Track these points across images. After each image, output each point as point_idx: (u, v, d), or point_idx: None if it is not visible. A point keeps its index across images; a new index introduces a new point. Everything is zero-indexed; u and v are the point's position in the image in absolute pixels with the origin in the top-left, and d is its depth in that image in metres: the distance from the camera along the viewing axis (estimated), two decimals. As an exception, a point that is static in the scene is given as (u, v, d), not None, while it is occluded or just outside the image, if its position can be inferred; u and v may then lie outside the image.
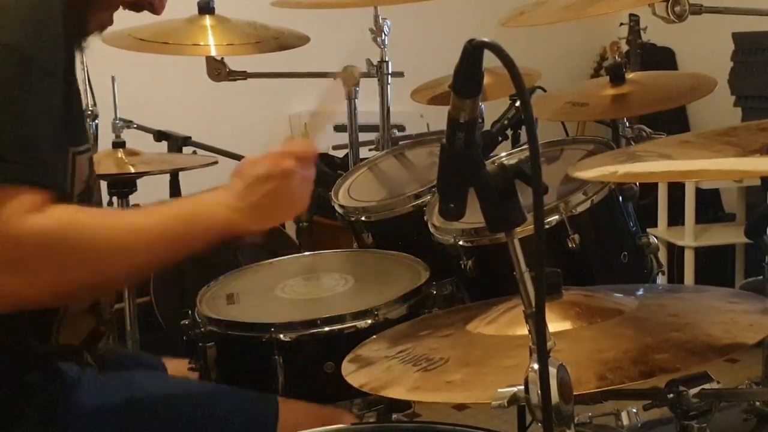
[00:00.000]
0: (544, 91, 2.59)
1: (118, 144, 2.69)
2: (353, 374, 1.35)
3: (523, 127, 2.01)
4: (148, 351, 2.34)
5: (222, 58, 2.77)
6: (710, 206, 4.28)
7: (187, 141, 3.01)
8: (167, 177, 2.86)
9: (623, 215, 1.92)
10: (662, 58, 4.68)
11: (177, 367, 1.80)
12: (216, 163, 2.75)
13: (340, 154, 4.06)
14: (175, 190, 2.90)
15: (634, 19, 3.79)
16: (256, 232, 1.41)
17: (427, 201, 2.02)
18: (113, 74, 2.68)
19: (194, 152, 3.04)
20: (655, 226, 4.07)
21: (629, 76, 2.41)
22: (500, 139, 2.24)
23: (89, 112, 2.89)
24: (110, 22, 1.58)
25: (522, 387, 1.06)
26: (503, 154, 2.12)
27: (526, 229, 1.10)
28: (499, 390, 1.09)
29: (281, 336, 1.66)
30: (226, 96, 3.47)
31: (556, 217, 1.77)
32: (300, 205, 1.44)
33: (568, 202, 1.78)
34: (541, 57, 3.56)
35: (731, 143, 1.33)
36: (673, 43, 4.74)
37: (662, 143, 1.66)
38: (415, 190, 2.08)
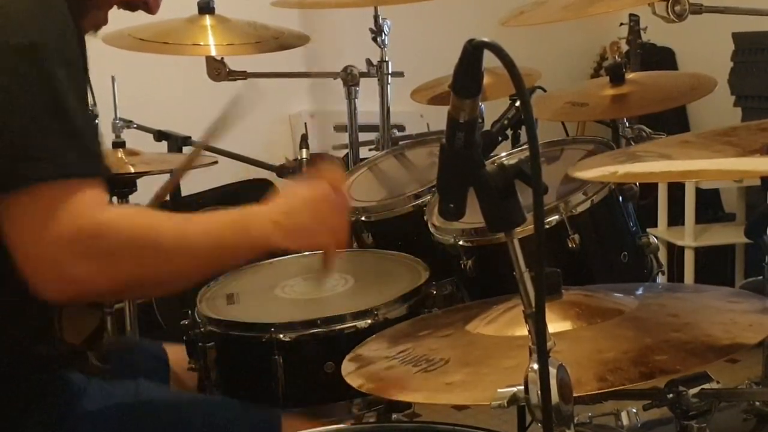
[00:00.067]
0: (544, 91, 2.59)
1: (118, 144, 2.69)
2: (353, 374, 1.35)
3: (523, 127, 2.01)
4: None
5: (222, 58, 2.77)
6: (710, 206, 4.27)
7: (187, 141, 3.00)
8: (167, 177, 2.86)
9: (623, 215, 1.92)
10: (662, 58, 4.68)
11: (177, 352, 1.81)
12: (216, 163, 2.74)
13: (340, 154, 4.06)
14: (175, 190, 2.89)
15: (634, 19, 3.79)
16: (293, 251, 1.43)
17: (427, 201, 2.02)
18: (113, 74, 2.68)
19: (194, 152, 3.04)
20: (655, 226, 4.07)
21: (629, 76, 2.41)
22: (500, 139, 2.24)
23: (89, 112, 2.89)
24: (105, 21, 1.58)
25: (522, 387, 1.06)
26: (503, 154, 2.12)
27: (526, 229, 1.10)
28: (499, 390, 1.09)
29: (281, 336, 1.66)
30: (226, 96, 3.44)
31: (556, 217, 1.77)
32: (340, 233, 1.47)
33: (568, 202, 1.78)
34: (541, 57, 3.56)
35: (731, 143, 1.33)
36: (673, 43, 4.73)
37: (662, 143, 1.66)
38: (415, 190, 2.08)
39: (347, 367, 1.38)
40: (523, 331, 1.14)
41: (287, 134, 4.42)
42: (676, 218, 4.02)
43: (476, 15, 3.97)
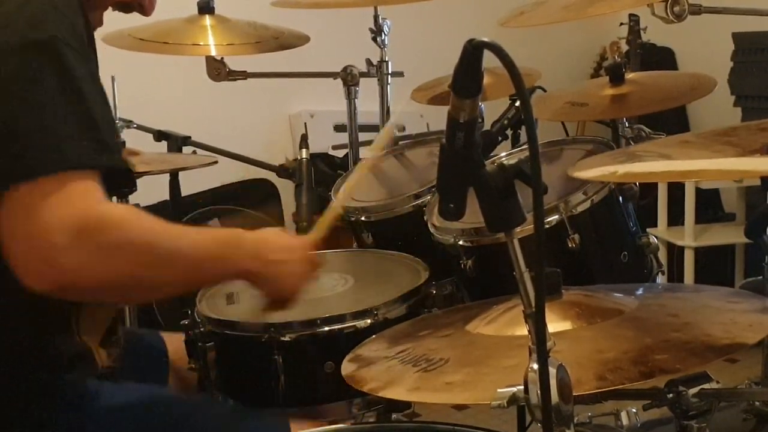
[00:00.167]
0: (544, 91, 2.59)
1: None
2: (353, 374, 1.35)
3: (523, 127, 2.01)
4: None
5: (222, 58, 2.77)
6: (710, 206, 4.28)
7: (187, 141, 3.01)
8: (167, 177, 2.86)
9: (623, 215, 1.92)
10: (662, 58, 4.68)
11: (175, 341, 1.81)
12: (216, 163, 2.75)
13: (340, 154, 4.07)
14: (175, 190, 2.89)
15: (634, 19, 3.78)
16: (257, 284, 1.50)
17: (427, 201, 2.02)
18: (113, 74, 2.67)
19: (194, 152, 3.04)
20: (655, 226, 4.07)
21: (629, 76, 2.41)
22: (500, 139, 2.24)
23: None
24: (100, 22, 1.59)
25: (522, 387, 1.06)
26: (503, 154, 2.12)
27: (526, 229, 1.10)
28: (499, 390, 1.09)
29: (281, 336, 1.66)
30: (226, 96, 3.47)
31: (556, 217, 1.77)
32: (297, 293, 1.54)
33: (568, 202, 1.78)
34: (541, 57, 3.56)
35: (731, 143, 1.33)
36: (673, 43, 4.73)
37: (662, 143, 1.66)
38: (415, 190, 2.08)
39: (347, 367, 1.38)
40: (523, 331, 1.14)
41: (287, 134, 4.42)
42: (676, 218, 4.02)
43: (476, 15, 3.97)
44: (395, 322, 1.64)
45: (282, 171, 2.97)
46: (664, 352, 1.20)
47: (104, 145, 1.31)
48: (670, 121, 4.05)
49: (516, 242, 1.12)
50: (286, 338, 1.66)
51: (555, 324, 1.28)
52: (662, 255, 3.74)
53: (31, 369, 1.44)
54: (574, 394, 1.07)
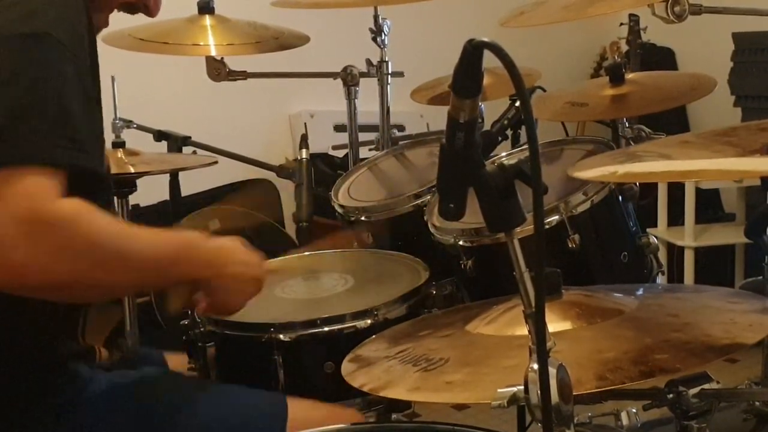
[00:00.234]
0: (544, 91, 2.59)
1: (118, 144, 2.68)
2: (353, 374, 1.35)
3: (523, 127, 2.01)
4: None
5: (222, 58, 2.77)
6: (710, 206, 4.27)
7: (187, 141, 3.00)
8: (167, 177, 2.86)
9: (623, 215, 1.92)
10: (662, 58, 4.67)
11: (177, 362, 1.81)
12: (216, 163, 2.74)
13: (340, 154, 4.06)
14: (174, 190, 2.89)
15: (634, 19, 3.78)
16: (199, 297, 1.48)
17: (427, 201, 2.02)
18: (113, 74, 2.67)
19: (194, 152, 3.04)
20: (655, 226, 4.07)
21: (629, 76, 2.41)
22: (500, 139, 2.25)
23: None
24: (105, 24, 1.59)
25: (522, 387, 1.06)
26: (503, 154, 2.12)
27: (526, 229, 1.10)
28: (499, 390, 1.09)
29: (281, 336, 1.66)
30: (226, 96, 3.46)
31: (556, 217, 1.77)
32: (241, 306, 1.53)
33: (568, 202, 1.78)
34: (541, 57, 3.56)
35: (731, 143, 1.33)
36: (673, 43, 4.73)
37: (662, 143, 1.66)
38: (415, 190, 2.08)
39: (347, 367, 1.38)
40: (523, 331, 1.14)
41: (287, 134, 4.42)
42: (676, 218, 4.02)
43: (476, 15, 3.97)
44: (395, 323, 1.64)
45: (282, 171, 2.97)
46: (664, 352, 1.20)
47: (76, 145, 1.29)
48: (670, 121, 4.05)
49: (516, 242, 1.12)
50: (286, 338, 1.66)
51: (555, 324, 1.28)
52: (662, 255, 3.74)
53: (32, 369, 1.44)
54: (574, 394, 1.07)
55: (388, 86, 2.88)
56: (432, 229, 1.90)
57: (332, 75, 2.88)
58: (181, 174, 2.86)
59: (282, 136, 4.40)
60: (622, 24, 3.84)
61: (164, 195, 2.93)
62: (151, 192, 3.04)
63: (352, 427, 1.51)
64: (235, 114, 4.11)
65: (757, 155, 1.26)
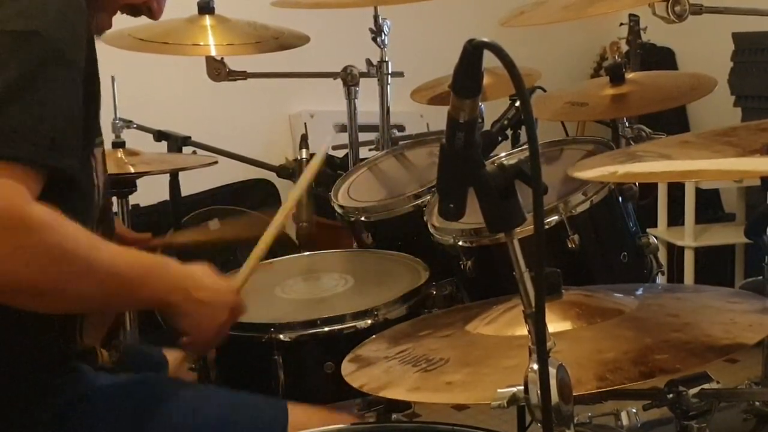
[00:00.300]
0: (544, 91, 2.59)
1: (118, 144, 2.69)
2: (353, 374, 1.35)
3: (523, 127, 2.01)
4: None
5: (222, 58, 2.77)
6: (710, 206, 4.27)
7: (186, 141, 3.01)
8: (167, 177, 2.86)
9: (623, 215, 1.92)
10: (662, 58, 4.68)
11: (177, 357, 1.81)
12: (216, 163, 2.75)
13: (340, 154, 4.06)
14: (174, 190, 2.90)
15: (634, 19, 3.78)
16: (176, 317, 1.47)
17: (427, 201, 2.02)
18: (113, 74, 2.68)
19: (194, 152, 3.04)
20: (655, 226, 4.07)
21: (629, 76, 2.41)
22: (500, 139, 2.25)
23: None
24: (109, 25, 1.59)
25: (522, 387, 1.06)
26: (503, 154, 2.12)
27: (526, 229, 1.10)
28: (499, 390, 1.09)
29: (281, 336, 1.66)
30: (226, 96, 3.47)
31: (556, 217, 1.77)
32: (215, 339, 1.53)
33: (568, 202, 1.78)
34: (541, 57, 3.56)
35: (731, 143, 1.33)
36: (673, 43, 4.73)
37: (662, 143, 1.66)
38: (415, 190, 2.08)
39: (347, 367, 1.38)
40: (523, 331, 1.14)
41: (287, 134, 4.42)
42: (676, 218, 4.02)
43: (476, 15, 3.97)
44: (395, 323, 1.64)
45: (282, 171, 2.97)
46: (664, 352, 1.20)
47: (55, 146, 1.27)
48: (670, 121, 4.05)
49: (516, 242, 1.11)
50: (286, 338, 1.66)
51: (555, 324, 1.28)
52: (662, 255, 3.74)
53: (32, 369, 1.44)
54: (574, 394, 1.07)
55: (388, 86, 2.88)
56: (432, 230, 1.90)
57: (332, 75, 2.88)
58: (181, 174, 2.86)
59: (282, 136, 4.40)
60: (622, 24, 3.84)
61: (164, 195, 2.94)
62: (151, 192, 3.04)
63: (352, 427, 1.51)
64: (235, 114, 4.11)
65: (757, 155, 1.26)
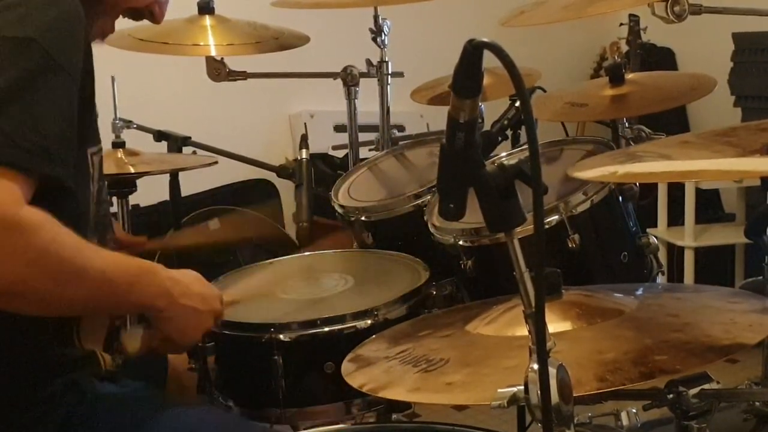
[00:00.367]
0: (544, 91, 2.59)
1: (118, 144, 2.69)
2: (353, 374, 1.35)
3: (523, 127, 2.01)
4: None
5: (222, 58, 2.77)
6: (710, 206, 4.28)
7: (187, 141, 3.00)
8: (167, 177, 2.86)
9: (623, 215, 1.92)
10: (662, 58, 4.68)
11: (178, 361, 1.81)
12: (216, 163, 2.74)
13: (340, 154, 4.06)
14: (175, 191, 2.89)
15: (633, 19, 3.78)
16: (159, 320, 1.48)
17: (427, 201, 2.02)
18: (113, 74, 2.68)
19: (194, 152, 3.04)
20: (655, 226, 4.07)
21: (629, 76, 2.41)
22: (500, 139, 2.24)
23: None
24: (112, 30, 1.59)
25: (522, 387, 1.06)
26: (503, 154, 2.12)
27: (526, 229, 1.10)
28: (499, 390, 1.09)
29: (281, 336, 1.66)
30: (226, 96, 3.47)
31: (556, 217, 1.77)
32: (192, 341, 1.55)
33: (568, 202, 1.78)
34: (541, 57, 3.56)
35: (731, 143, 1.33)
36: (673, 43, 4.73)
37: (662, 143, 1.66)
38: (415, 190, 2.08)
39: (347, 367, 1.38)
40: (523, 331, 1.14)
41: (287, 134, 4.42)
42: (676, 218, 4.02)
43: (476, 15, 3.97)
44: (395, 323, 1.64)
45: (282, 171, 2.97)
46: (664, 352, 1.20)
47: (47, 153, 1.28)
48: (670, 121, 4.05)
49: (516, 242, 1.12)
50: (286, 338, 1.66)
51: (555, 324, 1.28)
52: (662, 255, 3.74)
53: (31, 379, 1.44)
54: (574, 394, 1.07)
55: (388, 86, 2.88)
56: (432, 229, 1.90)
57: (332, 75, 2.88)
58: (181, 174, 2.86)
59: (282, 136, 4.40)
60: (622, 24, 3.84)
61: (164, 195, 2.93)
62: (151, 192, 3.04)
63: (352, 427, 1.51)
64: (235, 114, 4.11)
65: (757, 155, 1.26)
